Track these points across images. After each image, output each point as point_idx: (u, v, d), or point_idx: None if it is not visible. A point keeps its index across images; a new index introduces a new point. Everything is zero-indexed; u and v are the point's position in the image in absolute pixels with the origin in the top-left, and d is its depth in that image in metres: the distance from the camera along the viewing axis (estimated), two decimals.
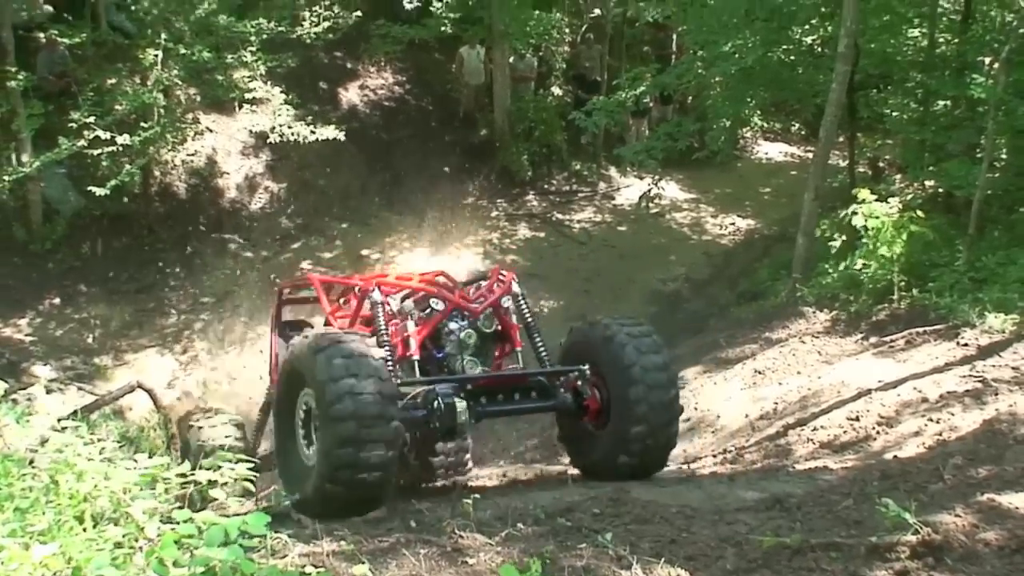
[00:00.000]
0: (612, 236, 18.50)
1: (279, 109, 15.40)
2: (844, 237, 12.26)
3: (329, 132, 15.24)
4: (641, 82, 16.87)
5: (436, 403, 6.54)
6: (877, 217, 10.98)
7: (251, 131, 16.60)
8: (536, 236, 18.45)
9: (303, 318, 9.47)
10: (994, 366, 8.42)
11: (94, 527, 3.97)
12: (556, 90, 21.08)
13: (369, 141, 18.83)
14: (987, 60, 14.43)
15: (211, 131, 17.26)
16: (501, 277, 7.46)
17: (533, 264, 17.51)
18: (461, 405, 6.54)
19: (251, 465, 4.38)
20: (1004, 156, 13.70)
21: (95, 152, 14.04)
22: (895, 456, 7.17)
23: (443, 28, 17.87)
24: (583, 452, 7.25)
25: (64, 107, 14.94)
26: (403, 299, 7.48)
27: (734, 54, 14.79)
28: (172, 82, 15.16)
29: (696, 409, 10.22)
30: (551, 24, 19.99)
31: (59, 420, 4.71)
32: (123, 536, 3.83)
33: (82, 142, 13.79)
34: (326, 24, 15.95)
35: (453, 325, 7.15)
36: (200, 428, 8.83)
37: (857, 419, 8.30)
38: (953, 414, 7.69)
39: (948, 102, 15.03)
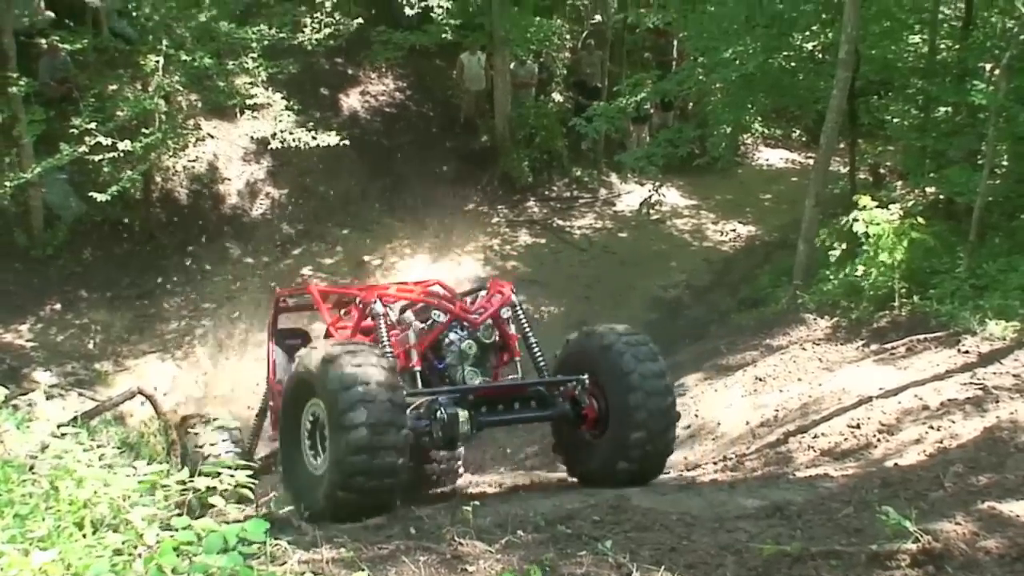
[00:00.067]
0: (613, 242, 18.50)
1: (280, 115, 15.41)
2: (844, 244, 12.26)
3: (330, 138, 15.25)
4: (642, 88, 16.89)
5: (439, 413, 6.62)
6: (878, 224, 10.99)
7: (252, 137, 16.62)
8: (537, 242, 18.45)
9: (299, 326, 9.52)
10: (995, 373, 8.40)
11: (93, 534, 3.97)
12: (557, 96, 21.10)
13: (370, 147, 18.85)
14: (988, 66, 14.42)
15: (212, 137, 17.27)
16: (500, 288, 7.53)
17: (534, 270, 17.52)
18: (463, 415, 6.63)
19: (249, 472, 4.38)
20: (1005, 163, 13.69)
21: (96, 158, 14.04)
22: (896, 464, 7.16)
23: (444, 35, 17.89)
24: (581, 460, 7.32)
25: (65, 113, 14.97)
26: (402, 310, 7.56)
27: (735, 60, 14.81)
28: (173, 88, 15.16)
29: (697, 416, 10.21)
30: (552, 30, 20.02)
31: (59, 426, 4.70)
32: (122, 543, 3.83)
33: (83, 148, 13.79)
34: (327, 31, 15.95)
35: (453, 336, 7.22)
36: (197, 435, 8.83)
37: (858, 426, 8.29)
38: (954, 422, 7.67)
39: (949, 108, 15.03)
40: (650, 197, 17.53)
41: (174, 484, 4.30)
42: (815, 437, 8.44)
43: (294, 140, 15.18)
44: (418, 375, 7.11)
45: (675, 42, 21.40)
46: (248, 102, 15.58)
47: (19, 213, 15.28)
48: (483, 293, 7.71)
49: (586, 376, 7.08)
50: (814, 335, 11.47)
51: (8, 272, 15.02)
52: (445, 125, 20.13)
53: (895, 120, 16.39)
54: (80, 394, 12.92)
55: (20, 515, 4.09)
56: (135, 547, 3.79)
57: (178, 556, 3.61)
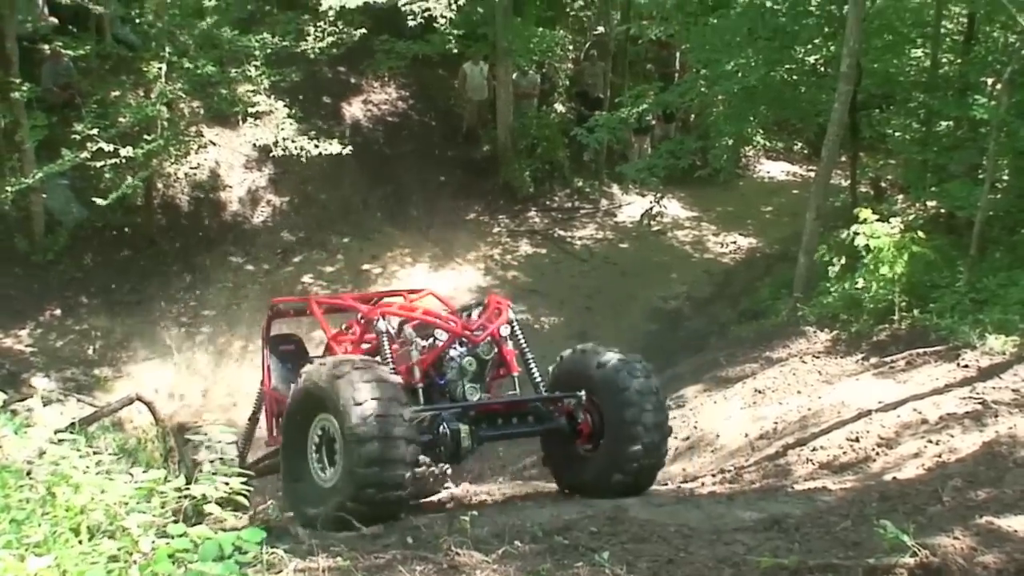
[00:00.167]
0: (614, 253, 18.50)
1: (282, 123, 15.41)
2: (845, 258, 12.26)
3: (332, 147, 15.27)
4: (644, 100, 16.90)
5: (442, 428, 6.82)
6: (878, 237, 10.99)
7: (254, 145, 16.61)
8: (538, 252, 18.46)
9: (291, 332, 9.57)
10: (994, 388, 8.39)
11: (90, 540, 3.96)
12: (559, 107, 21.13)
13: (372, 156, 18.87)
14: (990, 81, 14.47)
15: (214, 144, 17.29)
16: (498, 304, 7.71)
17: (534, 280, 17.52)
18: (465, 430, 6.86)
19: (244, 479, 4.38)
20: (1006, 177, 13.71)
21: (98, 164, 14.06)
22: (894, 478, 7.15)
23: (447, 44, 17.92)
24: (574, 472, 7.53)
25: (68, 119, 15.00)
26: (401, 324, 7.70)
27: (737, 73, 14.84)
28: (176, 95, 15.19)
29: (696, 428, 10.19)
30: (554, 41, 20.07)
31: (56, 432, 4.69)
32: (118, 549, 3.82)
33: (85, 154, 13.81)
34: (330, 39, 15.99)
35: (454, 352, 7.38)
36: (194, 442, 8.84)
37: (857, 440, 8.27)
38: (953, 436, 7.66)
39: (950, 122, 15.06)
40: (651, 208, 17.53)
41: (171, 491, 4.29)
42: (814, 450, 8.43)
43: (296, 148, 15.20)
44: (420, 391, 7.24)
45: (677, 54, 21.44)
46: (250, 110, 15.58)
47: (20, 218, 15.30)
48: (478, 308, 7.87)
49: (583, 392, 7.29)
50: (814, 348, 11.46)
51: (8, 277, 15.03)
52: (447, 135, 20.15)
53: (896, 134, 16.42)
54: (79, 400, 12.90)
55: (16, 520, 4.08)
56: (131, 554, 3.79)
57: (173, 563, 3.61)
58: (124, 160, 14.06)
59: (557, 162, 19.82)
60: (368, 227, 18.16)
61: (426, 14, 16.10)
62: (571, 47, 21.78)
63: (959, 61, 15.18)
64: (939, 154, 14.30)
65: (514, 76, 19.32)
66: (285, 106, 15.71)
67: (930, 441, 7.73)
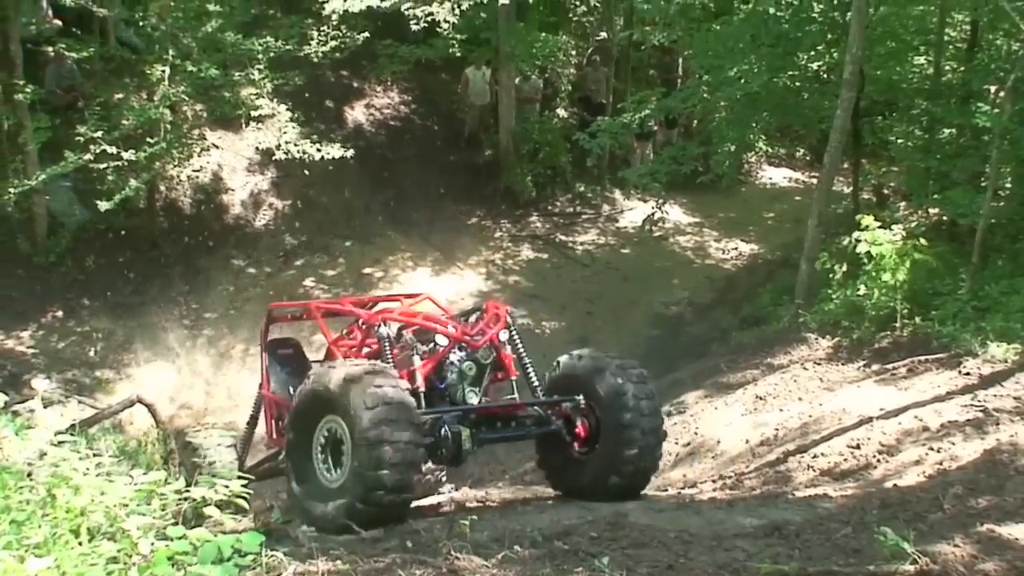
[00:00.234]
0: (615, 258, 18.50)
1: (285, 127, 15.42)
2: (845, 266, 12.25)
3: (335, 150, 15.27)
4: (646, 105, 16.89)
5: (443, 431, 6.99)
6: (880, 244, 10.98)
7: (257, 148, 16.63)
8: (539, 257, 18.45)
9: (289, 336, 9.74)
10: (996, 396, 8.39)
11: (90, 542, 3.96)
12: (561, 112, 21.14)
13: (374, 160, 18.88)
14: (993, 88, 14.44)
15: (217, 147, 17.30)
16: (497, 310, 7.90)
17: (536, 285, 17.52)
18: (466, 433, 7.03)
19: (244, 482, 4.38)
20: (1008, 185, 13.69)
21: (101, 166, 14.07)
22: (895, 485, 7.14)
23: (450, 49, 17.93)
24: (569, 475, 7.69)
25: (71, 121, 15.00)
26: (399, 329, 7.85)
27: (739, 79, 14.83)
28: (179, 98, 15.19)
29: (696, 434, 10.18)
30: (557, 46, 20.07)
31: (56, 434, 4.70)
32: (118, 551, 3.82)
33: (88, 156, 13.82)
34: (333, 43, 15.98)
35: (454, 357, 7.57)
36: (194, 446, 8.88)
37: (858, 447, 8.27)
38: (954, 443, 7.66)
39: (953, 130, 15.05)
40: (653, 214, 17.52)
41: (171, 493, 4.29)
42: (815, 457, 8.43)
43: (298, 152, 15.21)
44: (421, 395, 7.33)
45: (680, 60, 21.43)
46: (253, 113, 15.58)
47: (23, 220, 15.30)
48: (477, 314, 8.07)
49: (581, 396, 7.47)
50: (815, 354, 11.45)
51: (11, 278, 15.03)
52: (449, 139, 20.16)
53: (899, 141, 16.41)
54: (80, 401, 12.91)
55: (17, 521, 4.08)
56: (130, 556, 3.79)
57: (173, 566, 3.61)
58: (127, 163, 14.07)
59: (559, 167, 19.82)
60: (370, 231, 18.17)
61: (429, 19, 16.11)
62: (574, 52, 21.78)
63: (962, 69, 15.18)
64: (942, 161, 14.29)
65: (516, 81, 19.33)
66: (288, 110, 15.71)
67: (931, 448, 7.73)
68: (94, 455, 4.77)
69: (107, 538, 3.98)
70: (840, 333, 11.72)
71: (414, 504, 7.28)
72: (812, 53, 15.54)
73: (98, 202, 14.28)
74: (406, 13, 16.14)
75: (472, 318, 8.07)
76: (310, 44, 16.01)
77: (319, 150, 15.21)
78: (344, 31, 16.20)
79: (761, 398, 10.42)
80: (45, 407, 4.83)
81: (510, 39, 18.33)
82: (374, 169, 18.79)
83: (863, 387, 9.78)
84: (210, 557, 3.56)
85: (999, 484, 6.21)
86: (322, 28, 16.19)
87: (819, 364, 10.99)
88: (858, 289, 11.71)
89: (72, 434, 5.58)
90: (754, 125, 17.24)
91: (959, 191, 13.05)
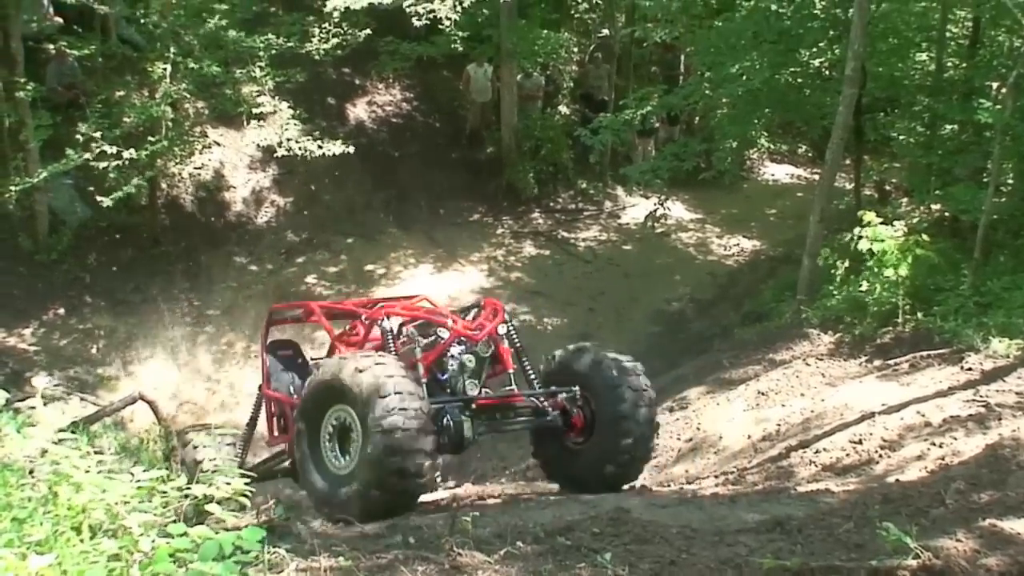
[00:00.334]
0: (617, 255, 18.50)
1: (287, 124, 15.40)
2: (847, 262, 12.24)
3: (336, 147, 15.26)
4: (648, 102, 16.87)
5: (446, 420, 7.26)
6: (882, 240, 10.97)
7: (258, 145, 16.62)
8: (541, 254, 18.46)
9: (289, 339, 9.96)
10: (998, 391, 8.38)
11: (91, 539, 3.96)
12: (563, 109, 21.13)
13: (376, 157, 18.87)
14: (994, 85, 14.44)
15: (219, 145, 17.31)
16: (495, 306, 8.23)
17: (538, 282, 17.52)
18: (467, 423, 7.32)
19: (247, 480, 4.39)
20: (1010, 181, 13.69)
21: (102, 165, 14.07)
22: (897, 480, 7.14)
23: (452, 46, 17.92)
24: (564, 465, 8.02)
25: (72, 118, 14.99)
26: (401, 325, 8.14)
27: (741, 75, 14.81)
28: (180, 95, 15.20)
29: (699, 429, 10.18)
30: (559, 43, 20.04)
31: (58, 431, 4.69)
32: (119, 548, 3.82)
33: (88, 155, 13.82)
34: (335, 40, 15.96)
35: (455, 350, 7.80)
36: (195, 444, 8.92)
37: (860, 442, 8.26)
38: (956, 438, 7.65)
39: (955, 126, 15.03)
40: (655, 210, 17.51)
41: (172, 490, 4.29)
42: (817, 452, 8.42)
43: (300, 149, 15.19)
44: (424, 386, 7.49)
45: (682, 56, 21.43)
46: (255, 110, 15.57)
47: (24, 217, 15.30)
48: (475, 310, 8.40)
49: (577, 388, 7.79)
50: (817, 350, 11.44)
51: (12, 276, 15.03)
52: (451, 136, 20.16)
53: (901, 137, 16.40)
54: (82, 398, 12.92)
55: (18, 519, 4.08)
56: (131, 553, 3.79)
57: (174, 563, 3.61)
58: (128, 160, 14.07)
59: (561, 164, 19.82)
60: (372, 228, 18.17)
61: (431, 16, 16.10)
62: (576, 49, 21.76)
63: (964, 65, 15.15)
64: (943, 157, 14.27)
65: (518, 78, 19.33)
66: (289, 107, 15.69)
67: (933, 444, 7.72)
68: (95, 452, 4.77)
69: (108, 535, 3.98)
70: (842, 329, 11.71)
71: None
72: (814, 50, 15.51)
73: (99, 199, 14.28)
74: (408, 10, 16.13)
75: (471, 314, 8.33)
76: (312, 41, 16.00)
77: (321, 147, 15.19)
78: (346, 28, 16.18)
79: (763, 394, 10.42)
80: (46, 404, 4.82)
81: (512, 36, 18.32)
82: (376, 166, 18.79)
83: (865, 383, 9.77)
84: (211, 554, 3.57)
85: (1001, 479, 6.20)
86: (324, 25, 16.17)
87: (821, 360, 10.99)
88: (860, 285, 11.71)
89: (73, 431, 5.58)
90: (756, 122, 17.22)
91: (961, 187, 13.05)
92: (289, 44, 15.60)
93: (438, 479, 9.26)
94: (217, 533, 3.77)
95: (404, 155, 19.33)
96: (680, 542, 5.38)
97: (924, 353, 9.90)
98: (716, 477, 8.76)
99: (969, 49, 15.09)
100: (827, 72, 16.19)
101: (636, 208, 19.49)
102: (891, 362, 10.10)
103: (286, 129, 15.33)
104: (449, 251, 18.02)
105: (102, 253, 15.86)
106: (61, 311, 15.04)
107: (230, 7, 15.39)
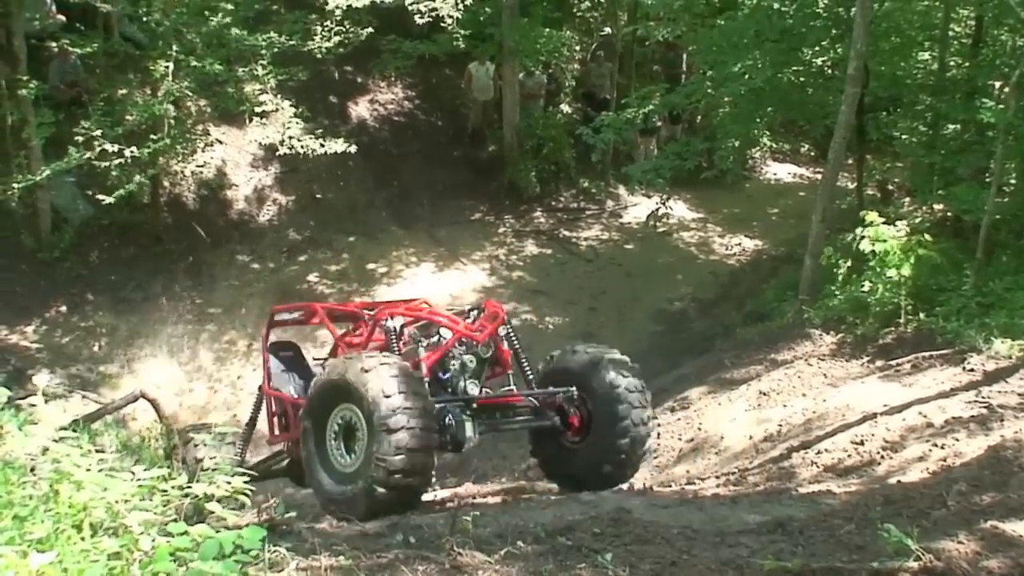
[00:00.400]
0: (619, 254, 18.49)
1: (289, 122, 15.40)
2: (849, 262, 12.22)
3: (338, 146, 15.25)
4: (650, 101, 16.86)
5: (448, 419, 7.39)
6: (884, 240, 10.95)
7: (260, 144, 16.62)
8: (543, 253, 18.45)
9: (289, 340, 10.01)
10: (1000, 392, 8.36)
11: (91, 537, 3.96)
12: (565, 107, 21.12)
13: (378, 155, 18.87)
14: (997, 84, 14.43)
15: (221, 143, 17.31)
16: (496, 309, 8.34)
17: (539, 281, 17.52)
18: (469, 423, 7.46)
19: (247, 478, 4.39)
20: (1013, 181, 13.68)
21: (104, 164, 14.06)
22: (899, 481, 7.12)
23: (454, 44, 17.92)
24: (562, 464, 8.17)
25: (75, 116, 14.99)
26: (402, 326, 8.28)
27: (744, 74, 14.80)
28: (183, 94, 15.19)
29: (700, 429, 10.17)
30: (561, 42, 20.04)
31: (59, 429, 4.70)
32: (120, 547, 3.82)
33: (91, 153, 13.82)
34: (337, 39, 15.96)
35: (456, 351, 7.94)
36: (195, 444, 8.93)
37: (861, 443, 8.25)
38: (958, 440, 7.63)
39: (958, 126, 15.02)
40: (657, 210, 17.50)
41: (173, 489, 4.29)
42: (818, 453, 8.41)
43: (302, 147, 15.19)
44: (426, 385, 7.61)
45: (684, 55, 21.42)
46: (257, 109, 15.58)
47: (27, 215, 15.31)
48: (476, 312, 8.51)
49: (574, 388, 7.93)
50: (819, 350, 11.43)
51: (15, 274, 15.04)
52: (453, 134, 20.16)
53: (903, 136, 16.39)
54: (84, 396, 12.93)
55: (19, 516, 4.09)
56: (132, 552, 3.78)
57: (174, 562, 3.61)
58: (130, 158, 14.07)
59: (563, 163, 19.81)
60: (374, 227, 18.18)
61: (433, 14, 16.10)
62: (578, 48, 21.77)
63: (967, 64, 15.15)
64: (946, 157, 14.26)
65: (520, 76, 19.32)
66: (291, 105, 15.69)
67: (935, 445, 7.70)
68: (97, 451, 4.78)
69: (109, 534, 3.98)
70: (844, 329, 11.69)
71: None
72: (816, 49, 15.50)
73: (102, 197, 14.28)
74: (410, 8, 16.13)
75: (472, 316, 8.45)
76: (314, 40, 16.00)
77: (323, 145, 15.19)
78: (348, 26, 16.18)
79: (765, 394, 10.40)
80: (47, 402, 4.83)
81: (514, 34, 18.31)
82: (378, 165, 18.79)
83: (867, 383, 9.76)
84: (212, 553, 3.57)
85: (1003, 481, 6.18)
86: (326, 23, 16.17)
87: (823, 360, 10.97)
88: (862, 285, 11.69)
89: (75, 429, 5.58)
90: (758, 121, 17.20)
91: (963, 187, 13.03)
92: (291, 42, 15.59)
93: (433, 478, 9.33)
94: (218, 532, 3.77)
95: (406, 154, 19.33)
96: (681, 543, 5.37)
97: (926, 354, 9.89)
98: (717, 477, 8.75)
99: (972, 48, 15.08)
100: (829, 71, 16.17)
101: (638, 207, 19.48)
102: (893, 363, 10.09)
103: (288, 127, 15.33)
104: (451, 250, 18.02)
105: (104, 251, 15.88)
106: (63, 309, 15.05)
107: (233, 5, 15.37)
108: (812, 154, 22.20)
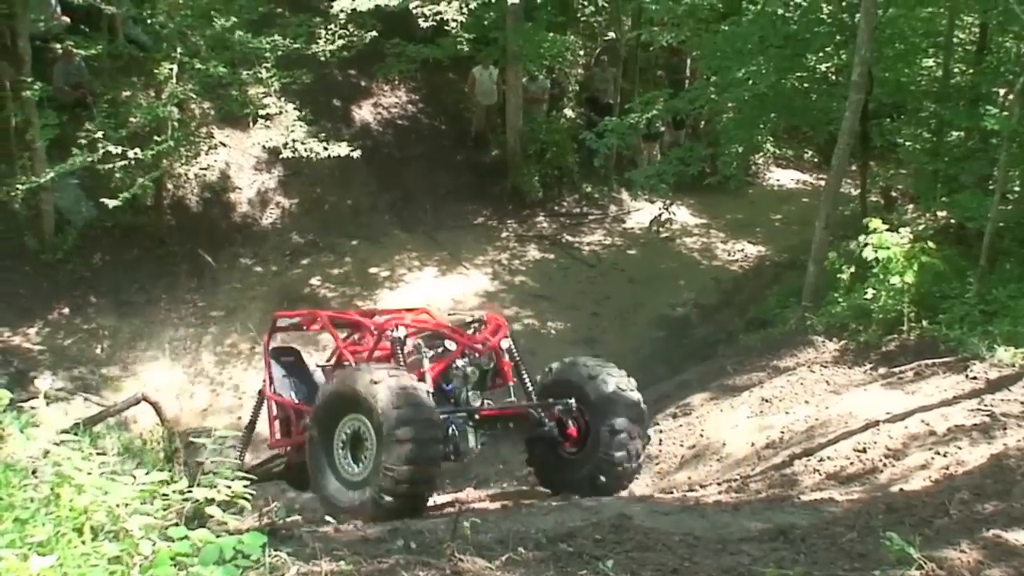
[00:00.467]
0: (622, 259, 18.48)
1: (292, 125, 15.41)
2: (853, 269, 12.21)
3: (342, 149, 15.25)
4: (654, 106, 16.87)
5: (451, 430, 7.65)
6: (887, 247, 10.94)
7: (264, 147, 16.62)
8: (545, 258, 18.44)
9: (290, 345, 10.13)
10: (1003, 400, 8.34)
11: (92, 541, 3.96)
12: (569, 112, 21.13)
13: (381, 159, 18.88)
14: (1002, 91, 14.41)
15: (224, 146, 17.31)
16: (498, 322, 8.60)
17: (542, 286, 17.51)
18: (471, 433, 7.77)
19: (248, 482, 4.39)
20: (1017, 188, 13.66)
21: (108, 164, 14.07)
22: (901, 489, 7.11)
23: (458, 48, 17.92)
24: (559, 473, 8.41)
25: (79, 118, 15.02)
26: (404, 337, 8.39)
27: (748, 80, 14.80)
28: (187, 96, 15.20)
29: (702, 436, 10.15)
30: (565, 46, 20.03)
31: (60, 432, 4.70)
32: (120, 551, 3.81)
33: (94, 156, 13.83)
34: (341, 42, 15.96)
35: (460, 362, 8.18)
36: (196, 447, 8.94)
37: (864, 451, 8.23)
38: (961, 448, 7.61)
39: (962, 133, 15.01)
40: (660, 215, 17.50)
41: (173, 493, 4.28)
42: (821, 460, 8.39)
43: (306, 150, 15.19)
44: (431, 396, 7.78)
45: (688, 60, 21.42)
46: (261, 111, 15.59)
47: (30, 217, 15.32)
48: (477, 324, 8.79)
49: (573, 400, 8.21)
50: (822, 357, 11.41)
51: (18, 275, 15.05)
52: (456, 139, 20.16)
53: (907, 143, 16.36)
54: (85, 399, 12.94)
55: (20, 520, 4.08)
56: (132, 556, 3.78)
57: (174, 566, 3.60)
58: (134, 161, 14.08)
59: (566, 167, 19.81)
60: (377, 230, 18.18)
61: (437, 18, 16.11)
62: (581, 52, 21.77)
63: (971, 71, 15.13)
64: (950, 164, 14.25)
65: (524, 81, 19.32)
66: (295, 108, 15.70)
67: (938, 453, 7.69)
68: (98, 453, 4.77)
69: (109, 538, 3.98)
70: (847, 336, 11.67)
71: None
72: (820, 55, 15.49)
73: (105, 200, 14.28)
74: (414, 12, 16.16)
75: (473, 327, 8.73)
76: (318, 43, 15.99)
77: (326, 149, 15.19)
78: (352, 30, 16.18)
79: (767, 401, 10.38)
80: (49, 405, 4.82)
81: (518, 39, 18.32)
82: (381, 168, 18.79)
83: (870, 390, 9.74)
84: (212, 558, 3.56)
85: (1006, 489, 6.17)
86: (330, 27, 16.17)
87: (825, 367, 10.95)
88: (865, 292, 11.67)
89: (76, 432, 5.58)
90: (762, 126, 17.21)
91: (967, 194, 13.01)
92: (295, 45, 15.60)
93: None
94: (218, 536, 3.76)
95: (409, 157, 19.33)
96: (682, 550, 5.37)
97: (929, 361, 9.87)
98: (719, 484, 8.73)
99: (976, 55, 15.06)
100: (833, 77, 16.16)
101: (641, 212, 19.48)
102: (896, 370, 10.07)
103: (292, 130, 15.34)
104: (453, 254, 18.02)
105: (107, 253, 15.88)
106: (66, 311, 15.06)
107: (237, 8, 15.39)
108: (815, 160, 22.19)
